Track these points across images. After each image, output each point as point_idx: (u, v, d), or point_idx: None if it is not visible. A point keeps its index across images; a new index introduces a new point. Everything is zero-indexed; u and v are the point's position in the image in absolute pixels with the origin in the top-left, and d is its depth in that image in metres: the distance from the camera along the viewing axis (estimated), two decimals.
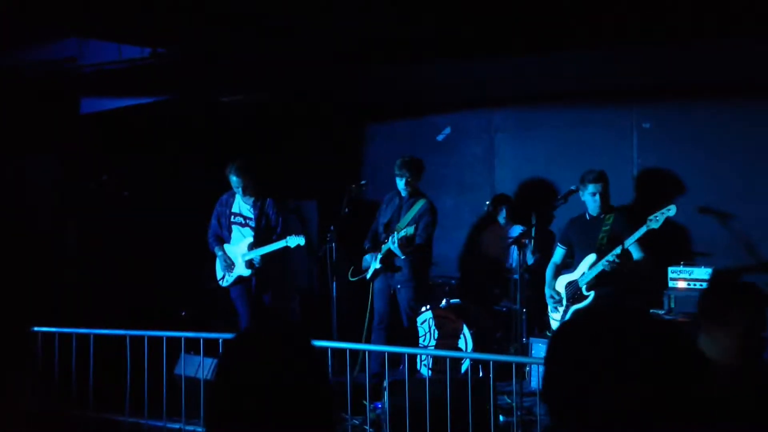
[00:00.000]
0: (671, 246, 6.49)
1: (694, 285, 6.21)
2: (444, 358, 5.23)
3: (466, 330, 6.51)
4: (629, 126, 7.24)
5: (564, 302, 5.75)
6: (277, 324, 1.69)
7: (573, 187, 5.73)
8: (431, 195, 8.03)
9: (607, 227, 5.65)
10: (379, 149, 8.50)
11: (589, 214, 5.78)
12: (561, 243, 6.01)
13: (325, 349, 4.91)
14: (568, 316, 5.71)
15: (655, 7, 4.99)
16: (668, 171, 6.94)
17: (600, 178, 5.71)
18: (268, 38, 5.71)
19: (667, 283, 6.24)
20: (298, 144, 8.19)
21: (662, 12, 5.05)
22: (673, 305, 6.13)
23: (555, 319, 5.87)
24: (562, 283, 5.85)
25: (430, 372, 6.42)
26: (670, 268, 6.24)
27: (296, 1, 5.00)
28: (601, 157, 7.27)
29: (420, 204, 6.31)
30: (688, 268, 6.25)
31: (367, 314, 6.43)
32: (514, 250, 6.44)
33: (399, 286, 6.31)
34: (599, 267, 5.49)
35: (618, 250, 5.37)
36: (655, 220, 5.30)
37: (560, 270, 6.00)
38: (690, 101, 7.01)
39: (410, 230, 6.03)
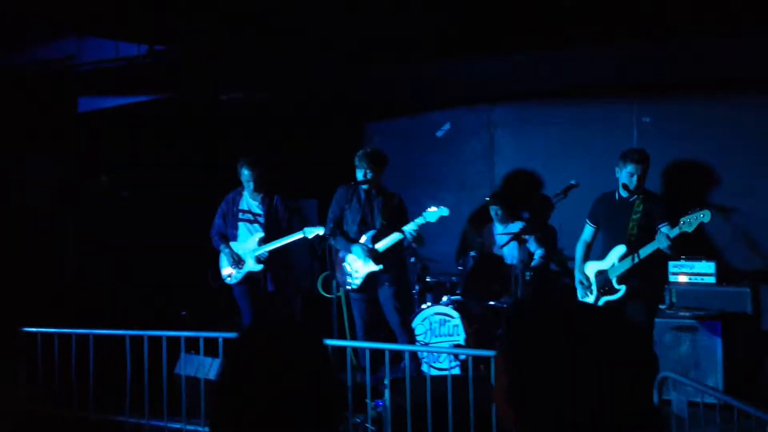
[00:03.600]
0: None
1: (696, 279, 6.19)
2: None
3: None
4: (630, 121, 7.22)
5: (594, 290, 5.69)
6: (284, 321, 1.65)
7: (573, 182, 5.67)
8: (431, 192, 8.01)
9: (637, 215, 5.47)
10: (378, 147, 8.47)
11: (619, 195, 5.59)
12: (590, 221, 5.83)
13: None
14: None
15: (657, 3, 4.97)
16: (669, 165, 6.92)
17: (642, 159, 5.47)
18: (266, 36, 5.69)
19: (668, 278, 6.21)
20: (298, 142, 8.16)
21: (663, 7, 5.03)
22: (674, 300, 6.11)
23: None
24: (591, 269, 5.70)
25: (432, 369, 6.40)
26: (671, 263, 6.20)
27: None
28: (602, 152, 7.24)
29: (396, 200, 6.22)
30: (689, 263, 6.22)
31: (346, 325, 6.23)
32: (513, 246, 6.41)
33: (387, 284, 6.11)
34: (632, 261, 5.38)
35: (673, 233, 5.17)
36: (688, 224, 5.11)
37: (590, 248, 5.82)
38: (691, 96, 6.99)
39: (422, 219, 5.94)
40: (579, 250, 5.86)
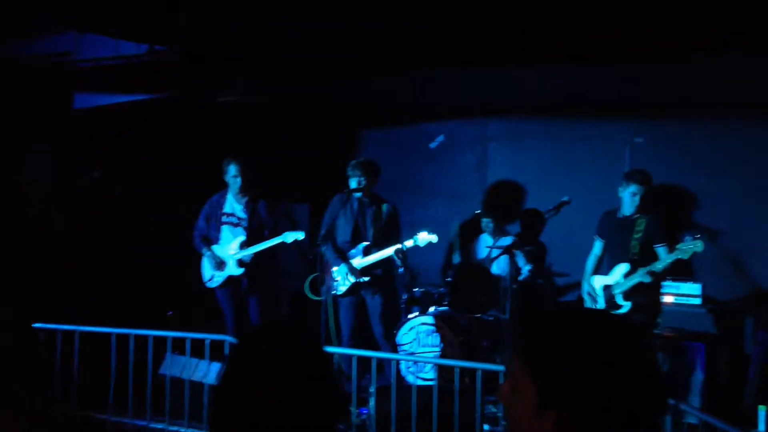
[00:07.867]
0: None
1: (682, 300, 6.24)
2: (451, 366, 5.16)
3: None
4: (623, 140, 7.27)
5: (601, 302, 5.78)
6: (285, 327, 1.65)
7: (565, 199, 5.74)
8: (423, 202, 8.04)
9: (639, 234, 5.63)
10: (372, 155, 8.45)
11: (622, 213, 5.76)
12: (598, 235, 5.98)
13: None
14: None
15: (652, 25, 5.03)
16: (659, 186, 6.98)
17: (645, 180, 5.67)
18: (267, 40, 5.71)
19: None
20: (291, 146, 8.18)
21: (659, 29, 5.08)
22: (660, 320, 6.15)
23: None
24: (598, 283, 5.84)
25: (417, 379, 6.40)
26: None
27: (296, 3, 5.00)
28: (593, 170, 7.31)
29: (386, 209, 6.22)
30: (676, 284, 6.27)
31: (333, 330, 6.18)
32: (503, 260, 6.44)
33: (373, 294, 6.20)
34: (635, 279, 5.52)
35: (656, 268, 5.43)
36: (683, 251, 5.32)
37: (601, 261, 5.96)
38: (683, 118, 7.06)
39: (418, 240, 5.93)
40: (589, 264, 6.02)
